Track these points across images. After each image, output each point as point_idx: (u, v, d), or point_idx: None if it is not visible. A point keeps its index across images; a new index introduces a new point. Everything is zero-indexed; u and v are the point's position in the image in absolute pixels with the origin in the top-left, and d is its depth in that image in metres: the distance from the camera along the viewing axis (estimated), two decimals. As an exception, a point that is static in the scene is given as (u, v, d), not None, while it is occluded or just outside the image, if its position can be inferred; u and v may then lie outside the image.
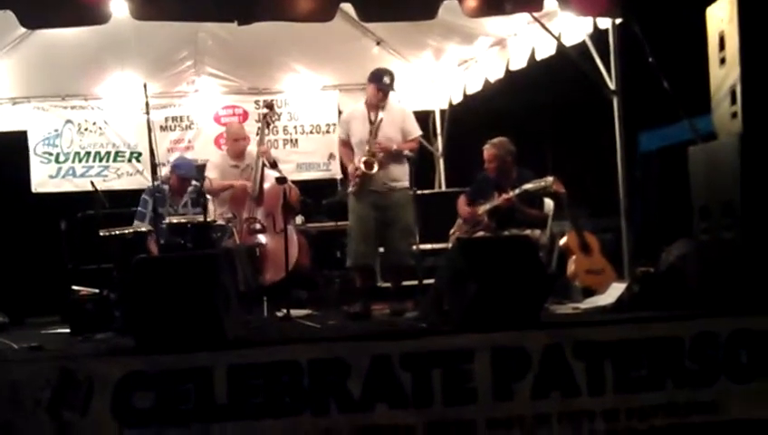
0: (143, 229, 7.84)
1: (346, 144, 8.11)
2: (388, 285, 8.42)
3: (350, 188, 7.95)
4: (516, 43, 9.09)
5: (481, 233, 7.98)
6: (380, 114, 7.86)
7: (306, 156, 10.90)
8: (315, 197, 9.85)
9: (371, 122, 7.87)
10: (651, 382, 5.61)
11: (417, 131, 8.12)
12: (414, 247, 7.89)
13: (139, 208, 8.51)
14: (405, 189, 7.93)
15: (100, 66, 9.94)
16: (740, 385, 5.65)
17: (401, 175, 7.93)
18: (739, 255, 6.28)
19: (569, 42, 8.10)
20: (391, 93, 8.05)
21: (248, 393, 5.34)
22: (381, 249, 8.15)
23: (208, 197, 8.20)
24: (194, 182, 8.74)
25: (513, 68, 9.23)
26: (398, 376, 5.45)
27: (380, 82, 7.89)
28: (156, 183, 7.60)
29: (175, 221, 7.75)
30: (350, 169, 7.97)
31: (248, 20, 7.00)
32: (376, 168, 7.77)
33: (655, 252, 6.91)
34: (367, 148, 7.81)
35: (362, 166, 7.76)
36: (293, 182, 8.78)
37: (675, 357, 5.64)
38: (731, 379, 5.64)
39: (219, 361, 5.35)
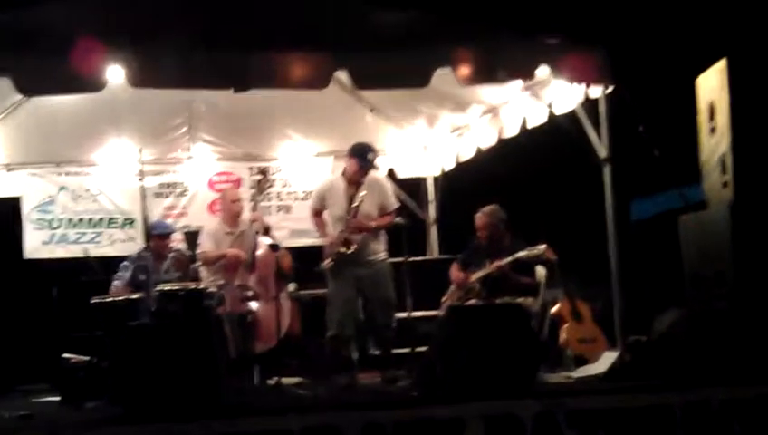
0: (134, 296, 7.82)
1: (319, 214, 8.14)
2: (379, 352, 8.39)
3: (328, 263, 7.95)
4: (509, 111, 9.14)
5: (473, 301, 7.98)
6: (361, 193, 7.87)
7: (299, 222, 10.85)
8: (308, 263, 9.81)
9: (350, 202, 7.89)
10: (644, 452, 5.59)
11: (393, 205, 8.13)
12: (396, 317, 7.90)
13: (118, 273, 8.49)
14: (383, 261, 7.97)
15: (95, 133, 9.97)
16: (734, 456, 5.63)
17: (378, 248, 7.98)
18: (730, 324, 6.29)
19: (560, 110, 8.18)
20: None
21: (239, 462, 5.31)
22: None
23: (198, 263, 8.21)
24: (175, 246, 8.75)
25: (505, 136, 9.29)
26: (390, 446, 5.42)
27: (364, 160, 7.91)
28: (137, 251, 7.56)
29: (167, 289, 7.74)
30: (326, 243, 7.98)
31: (244, 88, 7.06)
32: (354, 247, 7.79)
33: (647, 320, 6.91)
34: (345, 226, 7.84)
35: (341, 247, 7.78)
36: (287, 249, 8.78)
37: (667, 426, 5.62)
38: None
39: (211, 429, 5.31)
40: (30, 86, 6.89)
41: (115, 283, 8.34)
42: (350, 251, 7.77)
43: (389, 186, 8.23)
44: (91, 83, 6.73)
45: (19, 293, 10.13)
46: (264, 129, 10.45)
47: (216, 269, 8.47)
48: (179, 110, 9.85)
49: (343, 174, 8.05)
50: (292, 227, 10.81)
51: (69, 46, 6.47)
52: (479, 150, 9.95)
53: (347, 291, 7.83)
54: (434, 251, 11.11)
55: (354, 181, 7.93)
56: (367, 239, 7.89)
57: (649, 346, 6.68)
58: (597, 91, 7.79)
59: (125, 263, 8.54)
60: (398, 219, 7.94)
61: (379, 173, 8.52)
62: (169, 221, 9.95)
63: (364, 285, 7.84)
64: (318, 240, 10.70)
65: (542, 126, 8.64)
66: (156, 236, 8.50)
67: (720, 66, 6.93)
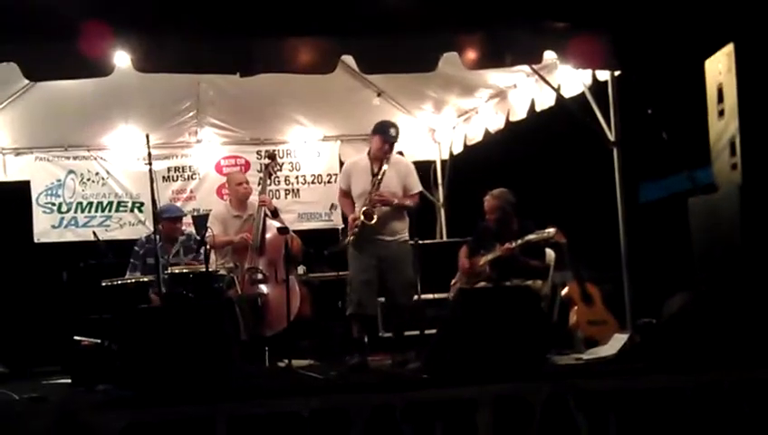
0: (144, 279, 7.84)
1: (346, 195, 8.09)
2: (389, 334, 8.40)
3: (349, 238, 7.95)
4: (516, 95, 9.13)
5: (482, 283, 7.98)
6: (384, 166, 7.86)
7: (308, 206, 10.94)
8: (317, 247, 9.85)
9: (374, 175, 7.88)
10: (655, 433, 5.58)
11: (418, 187, 8.09)
12: (414, 299, 7.89)
13: (131, 260, 8.54)
14: (405, 242, 7.94)
15: (102, 117, 10.01)
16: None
17: (401, 228, 7.92)
18: (740, 306, 6.28)
19: (568, 93, 8.15)
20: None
21: (249, 445, 5.32)
22: (382, 299, 8.15)
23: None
24: (186, 230, 8.77)
25: (513, 119, 9.28)
26: (400, 428, 5.42)
27: (387, 135, 7.88)
28: (146, 235, 7.59)
29: (177, 271, 7.75)
30: (350, 219, 7.97)
31: (250, 72, 7.06)
32: (375, 218, 7.76)
33: (657, 303, 6.91)
34: (367, 199, 7.82)
35: (362, 216, 7.76)
36: (295, 232, 8.81)
37: (677, 408, 5.62)
38: (735, 431, 5.62)
39: (220, 412, 5.32)
40: (37, 71, 6.88)
41: (129, 273, 8.38)
42: (371, 222, 7.73)
43: (414, 170, 8.19)
44: (98, 68, 6.72)
45: (30, 276, 10.17)
46: (271, 113, 10.46)
47: (226, 252, 8.50)
48: (187, 94, 9.88)
49: (368, 154, 8.04)
50: (300, 211, 10.88)
51: (76, 31, 6.47)
52: (487, 133, 9.94)
53: (367, 271, 7.80)
54: (443, 234, 11.11)
55: (378, 158, 7.91)
56: (389, 216, 7.84)
57: (659, 328, 6.67)
58: (605, 74, 7.77)
59: (135, 248, 8.58)
60: (408, 202, 7.92)
61: (401, 155, 8.54)
62: (178, 205, 9.97)
63: (385, 264, 7.80)
64: (326, 224, 10.83)
65: (550, 109, 8.62)
66: (166, 219, 8.52)
67: (727, 50, 6.91)
